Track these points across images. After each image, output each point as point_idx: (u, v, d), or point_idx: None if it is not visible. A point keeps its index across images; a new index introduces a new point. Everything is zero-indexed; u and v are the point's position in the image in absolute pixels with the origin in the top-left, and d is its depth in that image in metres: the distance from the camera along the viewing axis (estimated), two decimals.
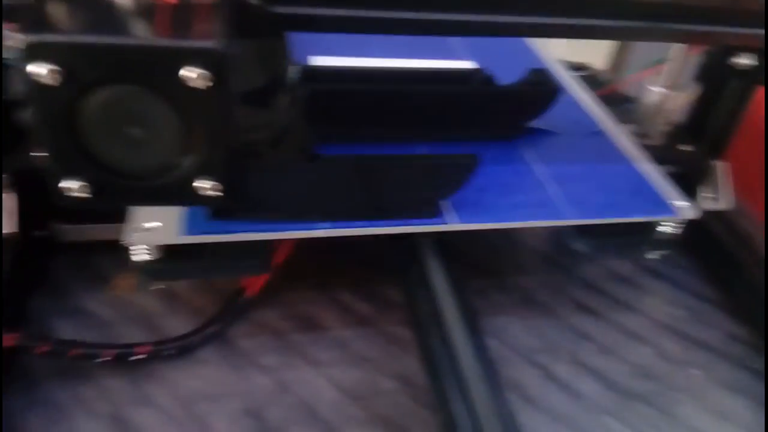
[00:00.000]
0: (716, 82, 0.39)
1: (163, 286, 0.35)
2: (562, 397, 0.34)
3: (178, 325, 0.34)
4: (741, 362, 0.37)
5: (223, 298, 0.35)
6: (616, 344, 0.37)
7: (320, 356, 0.34)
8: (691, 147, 0.42)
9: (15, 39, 0.20)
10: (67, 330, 0.33)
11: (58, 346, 0.30)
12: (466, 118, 0.38)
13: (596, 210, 0.35)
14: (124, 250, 0.29)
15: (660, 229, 0.36)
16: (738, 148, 0.40)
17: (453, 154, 0.32)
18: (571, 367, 0.36)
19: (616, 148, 0.41)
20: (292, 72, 0.28)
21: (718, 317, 0.40)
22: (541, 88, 0.39)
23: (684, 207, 0.36)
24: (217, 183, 0.23)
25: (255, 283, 0.35)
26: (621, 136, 0.42)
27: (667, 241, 0.36)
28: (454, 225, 0.32)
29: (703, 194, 0.42)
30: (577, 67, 0.54)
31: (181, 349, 0.33)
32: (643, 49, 0.56)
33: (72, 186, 0.23)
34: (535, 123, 0.41)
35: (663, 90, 0.41)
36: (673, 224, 0.36)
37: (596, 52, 0.61)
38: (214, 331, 0.34)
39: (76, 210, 0.34)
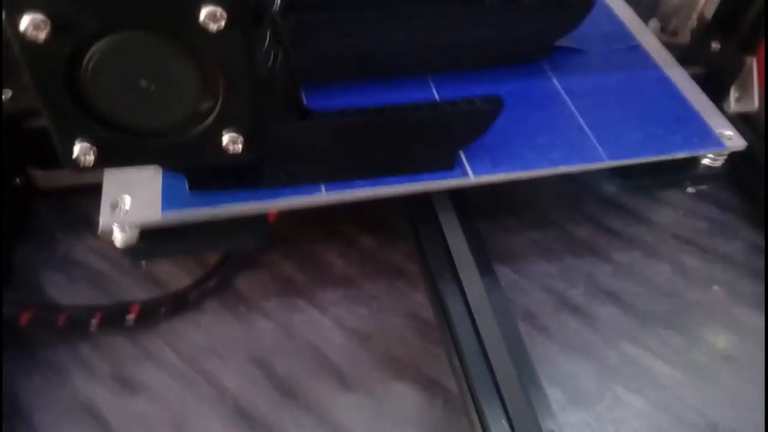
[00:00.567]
0: None
1: (144, 264, 0.33)
2: (577, 324, 0.33)
3: (175, 271, 0.33)
4: (764, 276, 0.35)
5: None
6: (633, 263, 0.36)
7: (325, 297, 0.33)
8: (721, 43, 0.37)
9: None
10: (57, 284, 0.32)
11: (43, 312, 0.28)
12: (482, 41, 0.32)
13: (635, 147, 0.30)
14: None
15: (705, 162, 0.32)
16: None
17: (474, 99, 0.26)
18: (587, 292, 0.34)
19: (654, 65, 0.35)
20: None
21: (741, 228, 0.38)
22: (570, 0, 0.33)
23: (733, 137, 0.32)
24: (239, 135, 0.21)
25: None
26: (660, 51, 0.36)
27: (710, 175, 0.33)
28: (473, 178, 0.28)
29: (734, 95, 0.38)
30: None
31: (178, 306, 0.31)
32: None
33: (79, 149, 0.21)
34: (562, 41, 0.35)
35: None
36: (718, 156, 0.32)
37: None
38: (212, 286, 0.32)
39: (49, 154, 0.32)
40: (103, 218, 0.25)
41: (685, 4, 0.36)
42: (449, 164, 0.28)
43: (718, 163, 0.32)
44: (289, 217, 0.35)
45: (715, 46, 0.38)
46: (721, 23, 0.38)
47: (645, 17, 0.39)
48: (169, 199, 0.26)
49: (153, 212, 0.26)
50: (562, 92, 0.33)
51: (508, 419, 0.25)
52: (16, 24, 0.17)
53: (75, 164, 0.21)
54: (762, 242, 0.37)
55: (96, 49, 0.19)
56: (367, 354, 0.31)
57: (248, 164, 0.25)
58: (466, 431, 0.27)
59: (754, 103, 0.38)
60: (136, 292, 0.32)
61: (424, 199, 0.33)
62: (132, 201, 0.26)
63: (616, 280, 0.35)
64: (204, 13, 0.18)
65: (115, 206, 0.26)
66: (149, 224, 0.26)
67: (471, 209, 0.33)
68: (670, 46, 0.37)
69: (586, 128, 0.31)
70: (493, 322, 0.27)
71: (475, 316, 0.28)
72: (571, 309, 0.33)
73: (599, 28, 0.37)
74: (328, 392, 0.30)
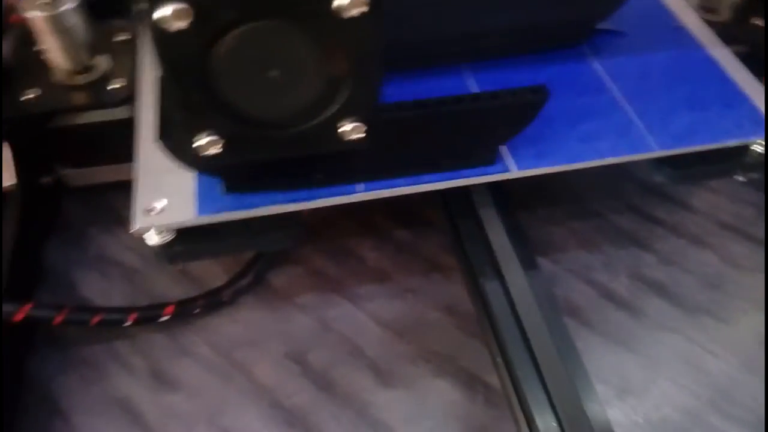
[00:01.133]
0: None
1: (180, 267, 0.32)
2: (622, 318, 0.31)
3: (210, 268, 0.32)
4: None
5: None
6: (678, 253, 0.34)
7: (360, 290, 0.32)
8: (762, 19, 0.36)
9: None
10: (92, 282, 0.32)
11: (76, 314, 0.28)
12: (519, 25, 0.31)
13: (685, 135, 0.29)
14: None
15: (758, 149, 0.30)
16: None
17: (518, 90, 0.25)
18: (631, 282, 0.33)
19: (699, 46, 0.34)
20: None
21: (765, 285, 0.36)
22: None
23: None
24: (360, 124, 0.21)
25: None
26: (704, 31, 0.34)
27: (761, 162, 0.30)
28: (516, 172, 0.27)
29: None
30: None
31: (212, 305, 0.31)
32: None
33: (203, 142, 0.20)
34: (602, 24, 0.33)
35: None
36: None
37: None
38: (246, 283, 0.32)
39: (78, 152, 0.32)
40: (138, 221, 0.25)
41: None
42: (491, 159, 0.27)
43: None
44: (321, 210, 0.34)
45: (756, 22, 0.36)
46: None
47: None
48: (204, 202, 0.25)
49: (189, 214, 0.25)
50: (606, 77, 0.31)
51: (556, 416, 0.24)
52: (158, 12, 0.17)
53: (202, 158, 0.21)
54: None
55: (229, 39, 0.18)
56: (404, 348, 0.30)
57: (289, 165, 0.25)
58: (510, 428, 0.26)
59: None
60: (170, 289, 0.31)
61: (462, 191, 0.32)
62: (168, 203, 0.25)
63: (661, 271, 0.33)
64: None
65: (150, 209, 0.25)
66: (185, 227, 0.25)
67: (510, 201, 0.32)
68: (710, 25, 0.35)
69: (633, 115, 0.29)
70: (539, 318, 0.26)
71: (519, 312, 0.27)
72: (615, 301, 0.32)
73: (640, 10, 0.35)
74: (365, 387, 0.29)
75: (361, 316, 0.31)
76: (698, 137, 0.29)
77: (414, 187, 0.27)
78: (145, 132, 0.27)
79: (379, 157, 0.26)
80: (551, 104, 0.26)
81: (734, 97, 0.31)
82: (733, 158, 0.30)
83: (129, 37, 0.33)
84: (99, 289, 0.31)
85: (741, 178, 0.32)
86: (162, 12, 0.17)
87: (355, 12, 0.18)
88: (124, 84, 0.31)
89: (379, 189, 0.26)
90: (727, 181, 0.38)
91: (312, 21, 0.18)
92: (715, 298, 0.33)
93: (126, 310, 0.29)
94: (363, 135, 0.21)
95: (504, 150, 0.28)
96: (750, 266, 0.34)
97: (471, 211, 0.30)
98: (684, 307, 0.32)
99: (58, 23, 0.29)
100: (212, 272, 0.32)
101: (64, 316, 0.28)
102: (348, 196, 0.26)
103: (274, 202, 0.25)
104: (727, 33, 0.35)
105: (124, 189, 0.27)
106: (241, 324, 0.31)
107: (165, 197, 0.25)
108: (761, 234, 0.35)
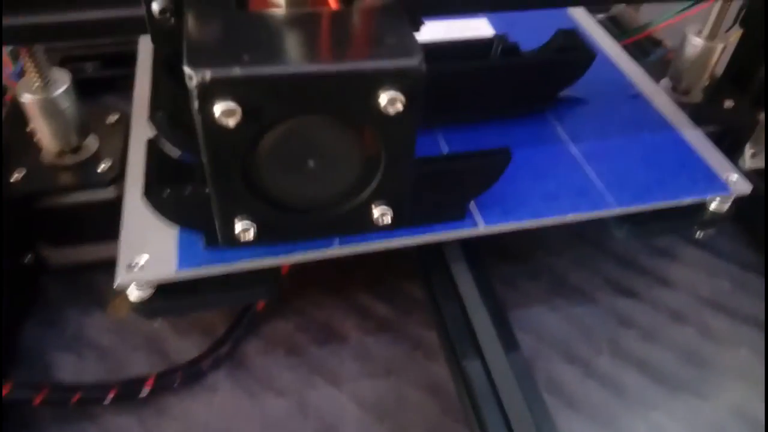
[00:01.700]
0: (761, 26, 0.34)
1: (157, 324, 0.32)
2: (603, 395, 0.31)
3: (185, 347, 0.32)
4: None
5: (233, 313, 0.33)
6: (658, 328, 0.35)
7: (341, 371, 0.32)
8: (734, 101, 0.37)
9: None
10: (67, 364, 0.31)
11: (56, 393, 0.28)
12: (487, 94, 0.33)
13: (642, 193, 0.31)
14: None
15: (712, 207, 0.32)
16: None
17: (483, 152, 0.27)
18: (612, 359, 0.33)
19: (656, 112, 0.36)
20: None
21: (765, 287, 0.37)
22: (574, 55, 0.34)
23: (738, 181, 0.32)
24: (389, 208, 0.22)
25: None
26: (661, 97, 0.37)
27: (718, 219, 0.32)
28: (483, 228, 0.29)
29: (748, 152, 0.38)
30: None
31: (190, 377, 0.30)
32: None
33: (240, 227, 0.22)
34: (564, 92, 0.36)
35: (703, 41, 0.36)
36: (725, 200, 0.32)
37: None
38: (224, 352, 0.31)
39: (62, 232, 0.32)
40: (120, 276, 0.25)
41: (696, 62, 0.36)
42: (461, 214, 0.28)
43: (725, 208, 0.32)
44: (302, 284, 0.34)
45: (728, 104, 0.37)
46: (734, 81, 0.38)
47: (657, 76, 0.39)
48: (185, 256, 0.26)
49: (169, 269, 0.25)
50: (568, 141, 0.33)
51: None
52: (209, 111, 0.18)
53: (235, 241, 0.22)
54: None
55: (273, 132, 0.19)
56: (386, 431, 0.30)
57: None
58: None
59: None
60: (145, 367, 0.31)
61: (441, 263, 0.32)
62: (149, 258, 0.26)
63: (642, 346, 0.33)
64: (385, 98, 0.19)
65: (132, 265, 0.25)
66: (164, 281, 0.26)
67: (490, 277, 0.32)
68: (682, 105, 0.37)
69: (593, 175, 0.31)
70: (521, 399, 0.26)
71: (500, 394, 0.27)
72: (596, 379, 0.32)
73: (600, 79, 0.37)
74: None
75: (342, 398, 0.31)
76: (655, 195, 0.31)
77: (387, 241, 0.28)
78: (132, 190, 0.28)
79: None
80: (515, 165, 0.28)
81: (688, 157, 0.33)
82: (691, 215, 0.32)
83: (118, 116, 0.34)
84: (73, 371, 0.31)
85: (702, 235, 0.34)
86: (215, 109, 0.18)
87: (394, 110, 0.19)
88: (111, 164, 0.31)
89: (354, 243, 0.27)
90: (703, 254, 0.39)
91: (354, 116, 0.20)
92: (695, 373, 0.33)
93: (105, 387, 0.29)
94: (390, 219, 0.23)
95: (473, 207, 0.29)
96: (728, 340, 0.34)
97: (453, 292, 0.31)
98: (666, 384, 0.32)
99: (50, 106, 0.30)
100: (186, 350, 0.31)
101: (44, 395, 0.27)
102: (324, 251, 0.27)
103: (253, 256, 0.26)
104: (700, 114, 0.36)
105: (105, 268, 0.27)
106: (216, 408, 0.30)
107: (146, 253, 0.26)
108: (739, 307, 0.36)
